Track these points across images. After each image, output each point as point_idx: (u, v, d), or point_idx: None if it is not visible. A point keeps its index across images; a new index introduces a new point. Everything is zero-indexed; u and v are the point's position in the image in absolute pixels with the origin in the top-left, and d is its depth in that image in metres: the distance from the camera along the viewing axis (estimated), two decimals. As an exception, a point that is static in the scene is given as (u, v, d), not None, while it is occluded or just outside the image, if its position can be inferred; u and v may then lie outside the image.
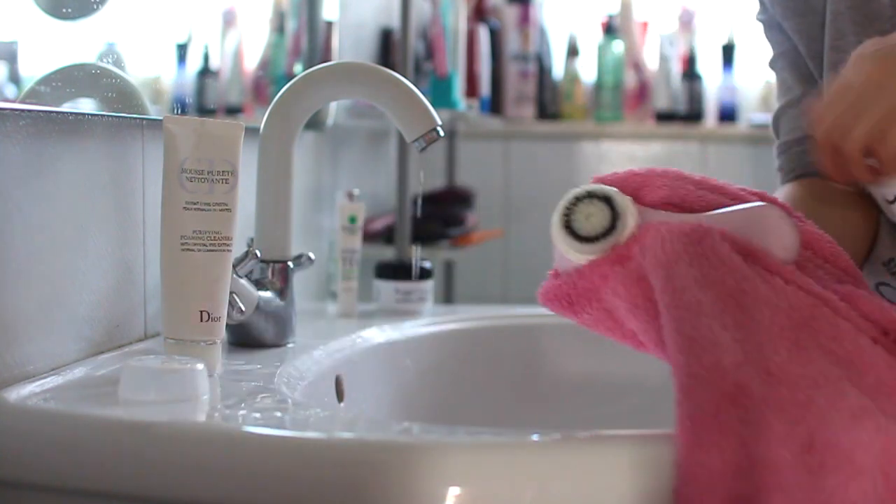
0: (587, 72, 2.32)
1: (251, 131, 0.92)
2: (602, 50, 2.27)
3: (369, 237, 1.62)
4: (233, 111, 1.22)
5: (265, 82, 1.30)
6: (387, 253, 1.60)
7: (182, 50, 1.07)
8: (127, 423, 0.68)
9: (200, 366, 0.74)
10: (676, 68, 2.27)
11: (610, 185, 0.70)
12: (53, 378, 0.77)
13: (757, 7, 0.97)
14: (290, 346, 0.97)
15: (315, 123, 1.37)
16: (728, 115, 2.25)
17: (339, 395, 0.98)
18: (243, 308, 0.90)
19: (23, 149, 0.76)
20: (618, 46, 2.27)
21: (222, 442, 0.66)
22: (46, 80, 0.82)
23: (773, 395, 0.58)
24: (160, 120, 0.83)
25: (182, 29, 1.07)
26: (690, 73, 2.25)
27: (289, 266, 0.98)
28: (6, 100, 0.77)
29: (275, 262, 0.97)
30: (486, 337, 1.22)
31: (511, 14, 2.20)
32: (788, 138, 0.94)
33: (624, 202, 0.67)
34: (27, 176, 0.77)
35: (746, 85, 2.28)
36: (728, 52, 2.25)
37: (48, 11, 0.82)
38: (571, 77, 2.30)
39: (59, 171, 0.81)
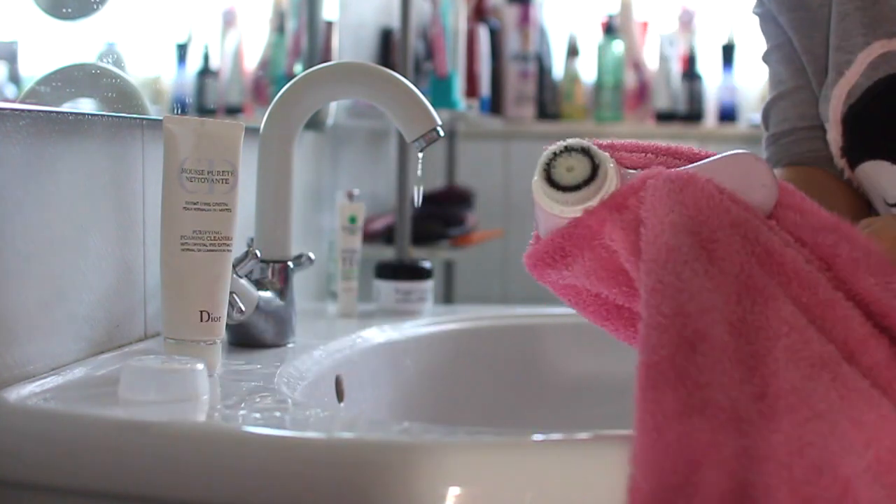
0: (587, 72, 2.32)
1: (251, 131, 0.92)
2: (602, 50, 2.27)
3: (369, 237, 1.62)
4: (233, 111, 1.22)
5: (265, 82, 1.30)
6: (387, 253, 1.60)
7: (182, 50, 1.07)
8: (127, 423, 0.68)
9: (200, 366, 0.74)
10: (676, 68, 2.27)
11: None
12: (53, 378, 0.77)
13: (754, 0, 0.97)
14: (290, 346, 0.97)
15: (315, 123, 1.37)
16: (728, 115, 2.25)
17: (339, 395, 0.98)
18: (243, 308, 0.90)
19: (23, 149, 0.76)
20: (618, 46, 2.27)
21: (222, 442, 0.66)
22: (46, 80, 0.82)
23: (732, 344, 0.59)
24: (160, 120, 0.83)
25: (182, 29, 1.07)
26: (690, 73, 2.25)
27: (289, 266, 0.98)
28: (6, 100, 0.77)
29: (275, 262, 0.97)
30: (486, 337, 1.22)
31: (511, 14, 2.20)
32: (777, 130, 0.95)
33: (601, 151, 0.69)
34: (27, 176, 0.77)
35: (746, 85, 2.27)
36: (728, 52, 2.25)
37: (48, 11, 0.82)
38: (571, 77, 2.30)
39: (59, 171, 0.81)
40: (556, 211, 0.68)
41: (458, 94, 1.73)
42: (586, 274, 0.70)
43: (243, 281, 0.91)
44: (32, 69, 0.81)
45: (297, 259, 1.00)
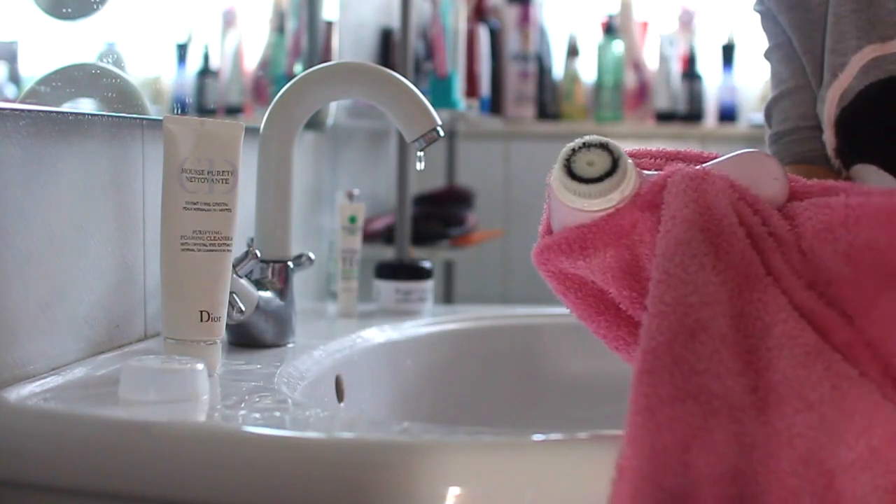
0: (587, 72, 2.32)
1: (251, 131, 0.92)
2: (602, 50, 2.27)
3: (369, 237, 1.62)
4: (233, 111, 1.22)
5: (265, 82, 1.30)
6: (387, 253, 1.60)
7: (182, 50, 1.07)
8: (127, 423, 0.68)
9: (200, 366, 0.74)
10: (676, 68, 2.27)
11: None
12: (53, 378, 0.77)
13: None
14: (290, 346, 0.97)
15: (315, 123, 1.37)
16: (728, 115, 2.25)
17: (339, 395, 0.98)
18: (243, 308, 0.90)
19: (23, 149, 0.76)
20: (618, 46, 2.27)
21: (222, 442, 0.66)
22: (46, 80, 0.82)
23: (731, 336, 0.60)
24: (160, 120, 0.83)
25: (182, 29, 1.07)
26: (690, 73, 2.25)
27: (289, 266, 0.98)
28: (6, 100, 0.77)
29: (275, 262, 0.97)
30: (486, 337, 1.22)
31: (511, 14, 2.20)
32: (779, 129, 0.95)
33: (619, 147, 0.70)
34: (27, 176, 0.77)
35: (746, 85, 2.27)
36: (728, 52, 2.25)
37: (48, 11, 0.82)
38: (571, 77, 2.30)
39: (59, 171, 0.81)
40: (578, 204, 0.69)
41: (458, 94, 1.73)
42: (602, 269, 0.70)
43: (243, 281, 0.91)
44: (32, 69, 0.81)
45: (297, 259, 1.00)
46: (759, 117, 2.17)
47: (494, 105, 2.14)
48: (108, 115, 0.88)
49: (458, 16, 1.73)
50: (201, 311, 0.80)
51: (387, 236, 1.68)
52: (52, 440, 0.68)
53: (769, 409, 0.57)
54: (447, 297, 2.07)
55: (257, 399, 0.75)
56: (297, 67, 1.36)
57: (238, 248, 0.86)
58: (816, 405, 0.57)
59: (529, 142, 2.24)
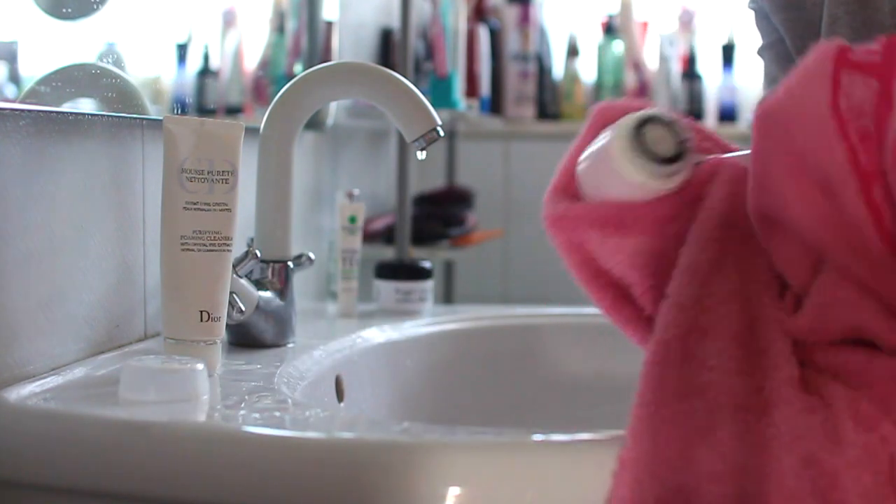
0: (587, 72, 2.32)
1: (251, 131, 0.92)
2: (602, 50, 2.27)
3: (369, 237, 1.62)
4: (233, 111, 1.22)
5: (265, 82, 1.30)
6: (387, 253, 1.60)
7: (182, 50, 1.07)
8: (127, 423, 0.68)
9: (200, 366, 0.74)
10: (676, 68, 2.27)
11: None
12: (53, 378, 0.77)
13: None
14: (290, 346, 0.97)
15: (315, 123, 1.37)
16: (728, 115, 2.24)
17: (339, 395, 0.98)
18: (243, 308, 0.90)
19: (23, 149, 0.76)
20: (618, 46, 2.27)
21: (222, 442, 0.66)
22: (46, 80, 0.82)
23: (744, 336, 0.60)
24: (160, 120, 0.83)
25: (182, 29, 1.07)
26: (690, 73, 2.25)
27: (289, 266, 0.98)
28: (6, 100, 0.77)
29: (275, 262, 0.97)
30: (486, 337, 1.22)
31: (511, 14, 2.20)
32: None
33: (685, 126, 0.67)
34: (27, 176, 0.77)
35: (746, 85, 2.27)
36: (728, 52, 2.25)
37: (48, 11, 0.82)
38: (571, 77, 2.30)
39: (59, 171, 0.81)
40: (639, 179, 0.66)
41: (458, 94, 1.73)
42: (631, 253, 0.68)
43: (243, 281, 0.91)
44: (32, 69, 0.81)
45: (297, 259, 1.00)
46: (759, 117, 2.17)
47: (494, 105, 2.14)
48: (108, 115, 0.88)
49: (458, 16, 1.73)
50: (201, 311, 0.80)
51: (387, 236, 1.68)
52: (52, 440, 0.68)
53: (771, 411, 0.57)
54: (447, 297, 2.07)
55: (257, 399, 0.75)
56: (297, 67, 1.35)
57: (238, 248, 0.86)
58: (818, 407, 0.57)
59: (529, 142, 2.24)
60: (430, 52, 1.74)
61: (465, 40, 1.79)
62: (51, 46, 0.83)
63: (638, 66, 2.31)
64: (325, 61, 1.37)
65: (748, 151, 0.70)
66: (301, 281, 1.14)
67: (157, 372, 0.72)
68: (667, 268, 0.66)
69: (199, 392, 0.73)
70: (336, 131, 1.53)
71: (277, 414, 0.71)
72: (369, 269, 1.28)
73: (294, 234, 0.99)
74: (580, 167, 0.72)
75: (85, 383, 0.77)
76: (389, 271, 1.24)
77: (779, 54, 0.95)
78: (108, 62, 0.90)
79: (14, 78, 0.80)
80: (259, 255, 0.92)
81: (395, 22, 1.80)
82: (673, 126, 0.67)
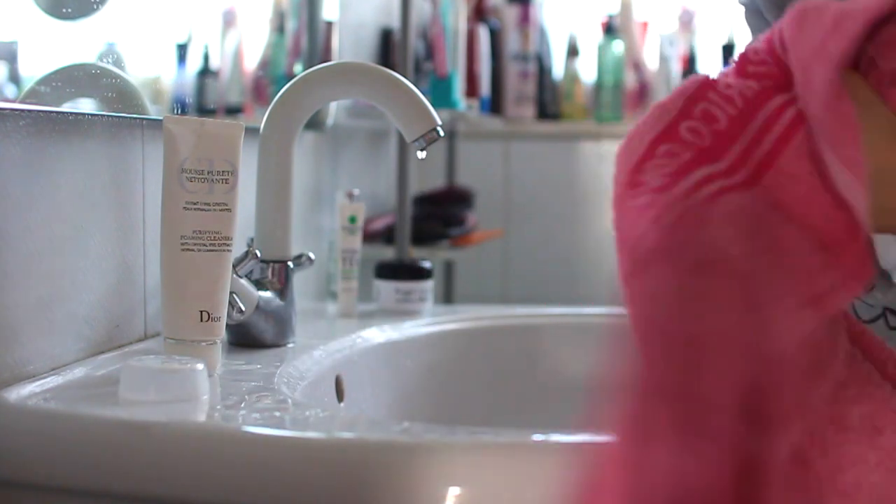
0: (587, 72, 2.32)
1: (251, 131, 0.92)
2: (602, 50, 2.27)
3: (369, 237, 1.62)
4: (233, 111, 1.22)
5: (265, 82, 1.30)
6: (387, 253, 1.60)
7: (182, 50, 1.07)
8: (127, 423, 0.68)
9: (200, 366, 0.74)
10: (676, 68, 2.27)
11: None
12: (53, 378, 0.77)
13: None
14: (290, 346, 0.97)
15: (315, 123, 1.37)
16: (728, 115, 2.25)
17: (339, 395, 0.98)
18: (243, 308, 0.90)
19: (23, 149, 0.76)
20: (618, 46, 2.27)
21: (222, 442, 0.66)
22: (46, 80, 0.82)
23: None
24: (160, 120, 0.83)
25: (182, 29, 1.07)
26: (690, 73, 2.25)
27: (289, 266, 0.98)
28: (6, 100, 0.77)
29: (275, 262, 0.97)
30: (486, 337, 1.22)
31: (511, 14, 2.20)
32: None
33: None
34: (27, 176, 0.77)
35: (746, 85, 2.27)
36: (728, 52, 2.25)
37: (48, 11, 0.82)
38: (571, 77, 2.30)
39: (59, 171, 0.81)
40: None
41: (458, 94, 1.73)
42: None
43: (243, 281, 0.91)
44: (32, 69, 0.81)
45: (297, 259, 1.00)
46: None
47: (494, 105, 2.14)
48: (108, 115, 0.88)
49: (458, 16, 1.73)
50: (201, 311, 0.80)
51: (387, 236, 1.68)
52: (52, 440, 0.68)
53: (781, 431, 0.56)
54: (447, 297, 2.07)
55: (257, 399, 0.75)
56: (297, 67, 1.36)
57: (238, 248, 0.86)
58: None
59: (529, 142, 2.24)
60: (430, 52, 1.74)
61: (465, 40, 1.79)
62: (51, 46, 0.83)
63: (638, 66, 2.31)
64: (325, 61, 1.37)
65: None
66: (301, 281, 1.14)
67: (157, 372, 0.72)
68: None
69: (199, 392, 0.73)
70: (336, 131, 1.53)
71: (277, 414, 0.71)
72: (369, 269, 1.28)
73: (294, 234, 0.99)
74: None
75: (85, 383, 0.77)
76: (389, 271, 1.24)
77: None
78: (108, 62, 0.90)
79: (14, 78, 0.80)
80: (259, 255, 0.92)
81: (395, 22, 1.80)
82: None
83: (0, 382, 0.74)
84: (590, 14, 2.35)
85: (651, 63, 2.31)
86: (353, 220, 1.19)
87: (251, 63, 1.26)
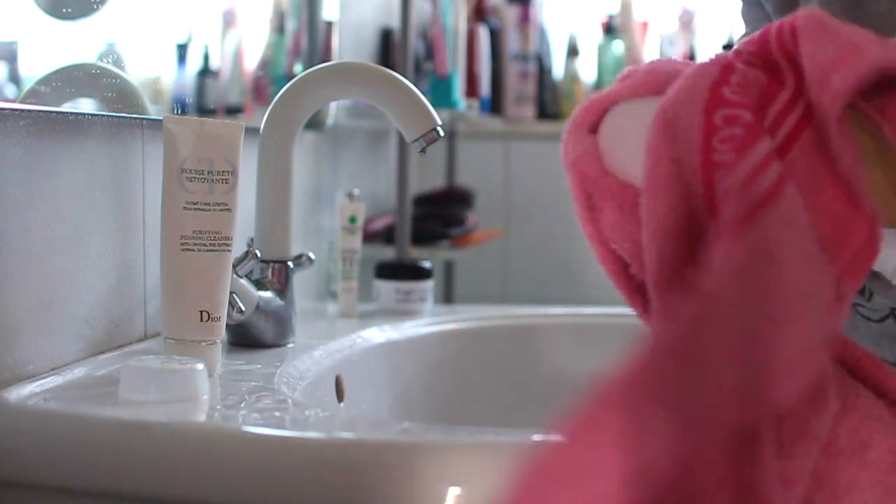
0: (587, 72, 2.32)
1: (251, 131, 0.92)
2: (602, 50, 2.27)
3: (369, 237, 1.62)
4: (233, 111, 1.22)
5: (265, 82, 1.30)
6: (387, 253, 1.60)
7: (182, 50, 1.07)
8: (127, 423, 0.68)
9: (200, 366, 0.74)
10: (676, 68, 2.27)
11: None
12: (53, 378, 0.77)
13: None
14: (290, 346, 0.97)
15: (315, 123, 1.37)
16: (728, 115, 2.25)
17: (339, 395, 0.98)
18: (243, 308, 0.90)
19: (23, 149, 0.76)
20: (618, 46, 2.27)
21: (222, 442, 0.66)
22: (46, 80, 0.82)
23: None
24: (160, 120, 0.83)
25: (182, 29, 1.07)
26: (690, 73, 2.25)
27: (289, 266, 0.98)
28: (6, 100, 0.77)
29: (275, 262, 0.97)
30: (486, 337, 1.22)
31: (511, 14, 2.20)
32: None
33: None
34: (27, 176, 0.77)
35: (746, 85, 2.27)
36: (728, 51, 2.25)
37: (48, 11, 0.82)
38: (571, 77, 2.30)
39: (59, 171, 0.81)
40: None
41: (458, 94, 1.73)
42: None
43: (243, 281, 0.91)
44: (32, 69, 0.81)
45: (297, 259, 1.00)
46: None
47: (494, 105, 2.14)
48: (108, 115, 0.88)
49: (458, 16, 1.73)
50: (201, 311, 0.80)
51: (387, 236, 1.68)
52: (52, 440, 0.68)
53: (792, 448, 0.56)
54: (447, 297, 2.07)
55: (257, 399, 0.75)
56: (297, 67, 1.36)
57: (238, 248, 0.86)
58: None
59: (529, 142, 2.24)
60: (430, 52, 1.74)
61: (465, 40, 1.79)
62: (51, 46, 0.83)
63: (638, 66, 2.31)
64: (325, 61, 1.37)
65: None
66: (301, 281, 1.14)
67: (157, 372, 0.72)
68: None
69: (199, 392, 0.73)
70: (336, 131, 1.53)
71: (277, 414, 0.71)
72: (369, 269, 1.28)
73: (294, 234, 0.99)
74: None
75: (85, 383, 0.77)
76: (389, 271, 1.24)
77: None
78: (108, 62, 0.90)
79: (14, 78, 0.80)
80: (259, 255, 0.92)
81: (395, 22, 1.80)
82: None
83: (0, 382, 0.74)
84: (590, 14, 2.35)
85: (651, 63, 2.31)
86: (353, 220, 1.19)
87: (251, 63, 1.26)
